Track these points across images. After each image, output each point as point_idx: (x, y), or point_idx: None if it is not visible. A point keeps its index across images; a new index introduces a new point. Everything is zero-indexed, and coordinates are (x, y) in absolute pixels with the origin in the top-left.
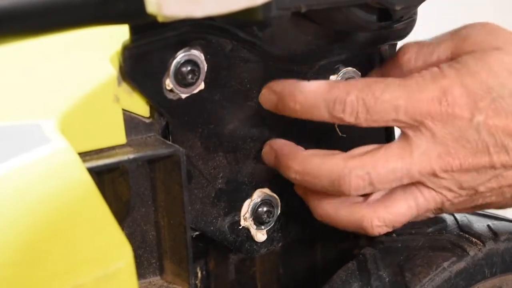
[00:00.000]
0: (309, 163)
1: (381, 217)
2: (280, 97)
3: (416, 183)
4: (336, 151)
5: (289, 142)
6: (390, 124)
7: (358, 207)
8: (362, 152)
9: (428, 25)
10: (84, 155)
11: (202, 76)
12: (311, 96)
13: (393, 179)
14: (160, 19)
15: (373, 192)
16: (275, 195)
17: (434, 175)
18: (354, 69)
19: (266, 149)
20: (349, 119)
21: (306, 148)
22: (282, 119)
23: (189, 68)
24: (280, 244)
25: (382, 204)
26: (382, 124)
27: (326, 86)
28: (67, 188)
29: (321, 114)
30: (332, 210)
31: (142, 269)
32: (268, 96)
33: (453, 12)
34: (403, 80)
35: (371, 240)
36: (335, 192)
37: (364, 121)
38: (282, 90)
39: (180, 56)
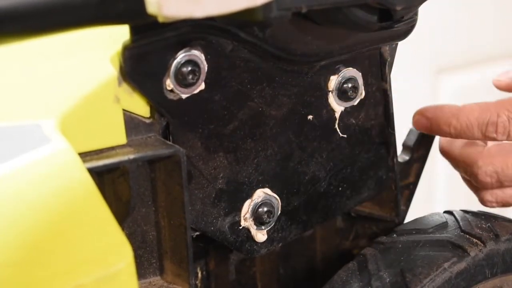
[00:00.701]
0: (451, 148)
1: (495, 194)
2: (434, 123)
3: None
4: (477, 143)
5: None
6: None
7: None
8: (497, 150)
9: (428, 25)
10: (85, 156)
11: (203, 76)
12: (464, 121)
13: None
14: (160, 19)
15: (502, 187)
16: (275, 195)
17: None
18: (355, 69)
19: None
20: (502, 137)
21: (308, 146)
22: (282, 119)
23: (189, 68)
24: (280, 244)
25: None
26: None
27: (478, 110)
28: (67, 188)
29: (474, 136)
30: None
31: (142, 269)
32: (421, 121)
33: (453, 12)
34: None
35: (371, 240)
36: (468, 177)
37: None
38: (435, 116)
39: (181, 56)
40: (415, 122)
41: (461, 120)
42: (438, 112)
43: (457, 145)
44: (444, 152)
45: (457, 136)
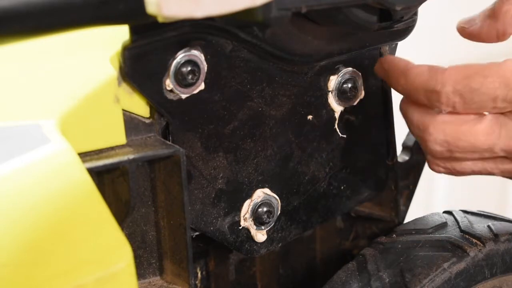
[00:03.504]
0: (408, 109)
1: (445, 132)
2: (387, 75)
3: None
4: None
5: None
6: (488, 110)
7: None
8: (450, 118)
9: (428, 25)
10: (84, 156)
11: (202, 76)
12: (411, 82)
13: (473, 150)
14: (160, 19)
15: (451, 157)
16: (275, 195)
17: None
18: (355, 69)
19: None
20: (446, 108)
21: (308, 146)
22: (282, 119)
23: (189, 68)
24: (280, 245)
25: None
26: (480, 111)
27: (426, 74)
28: (67, 188)
29: (421, 99)
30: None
31: (142, 269)
32: (379, 70)
33: (453, 12)
34: (501, 67)
35: (371, 240)
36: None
37: (462, 110)
38: (389, 69)
39: (180, 56)
40: (375, 68)
41: (408, 81)
42: (392, 66)
43: (414, 106)
44: (402, 112)
45: (405, 94)
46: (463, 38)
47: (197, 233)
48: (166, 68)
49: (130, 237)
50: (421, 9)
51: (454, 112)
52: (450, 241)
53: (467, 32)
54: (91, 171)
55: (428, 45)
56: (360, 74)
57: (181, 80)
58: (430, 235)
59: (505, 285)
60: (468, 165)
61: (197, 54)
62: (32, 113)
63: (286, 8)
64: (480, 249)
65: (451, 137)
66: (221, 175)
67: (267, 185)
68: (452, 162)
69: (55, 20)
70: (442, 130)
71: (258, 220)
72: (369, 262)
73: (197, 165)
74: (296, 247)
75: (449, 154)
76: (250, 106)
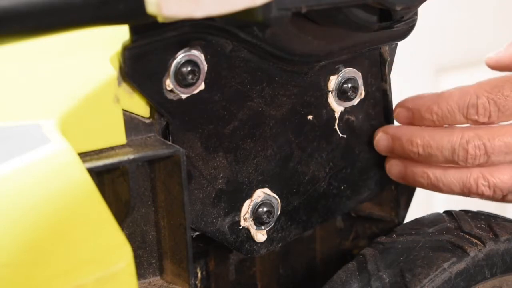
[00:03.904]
0: (431, 136)
1: (486, 178)
2: (416, 112)
3: None
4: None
5: (403, 126)
6: None
7: (465, 169)
8: (479, 126)
9: (428, 25)
10: (84, 156)
11: (202, 76)
12: (445, 106)
13: (506, 151)
14: (160, 19)
15: (487, 162)
16: (275, 195)
17: None
18: (355, 70)
19: (379, 136)
20: (483, 119)
21: (308, 146)
22: (282, 119)
23: (189, 68)
24: (280, 245)
25: (488, 169)
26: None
27: (458, 93)
28: (67, 188)
29: (456, 120)
30: (440, 173)
31: (142, 270)
32: (402, 113)
33: (453, 12)
34: None
35: (371, 240)
36: (454, 162)
37: (496, 118)
38: (415, 105)
39: (180, 56)
40: (397, 115)
41: (442, 106)
42: (418, 101)
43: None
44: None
45: (439, 122)
46: (462, 38)
47: (197, 233)
48: (166, 68)
49: (130, 237)
50: (421, 9)
51: (488, 122)
52: (450, 241)
53: (494, 61)
54: (91, 171)
55: (428, 45)
56: (360, 74)
57: (181, 80)
58: (430, 235)
59: (505, 285)
60: (507, 169)
61: (197, 54)
62: (32, 113)
63: (286, 8)
64: (480, 249)
65: (487, 138)
66: (221, 175)
67: (267, 185)
68: (488, 168)
69: (55, 20)
70: (476, 135)
71: (258, 220)
72: (369, 262)
73: (197, 165)
74: (296, 247)
75: (486, 157)
76: (250, 106)
